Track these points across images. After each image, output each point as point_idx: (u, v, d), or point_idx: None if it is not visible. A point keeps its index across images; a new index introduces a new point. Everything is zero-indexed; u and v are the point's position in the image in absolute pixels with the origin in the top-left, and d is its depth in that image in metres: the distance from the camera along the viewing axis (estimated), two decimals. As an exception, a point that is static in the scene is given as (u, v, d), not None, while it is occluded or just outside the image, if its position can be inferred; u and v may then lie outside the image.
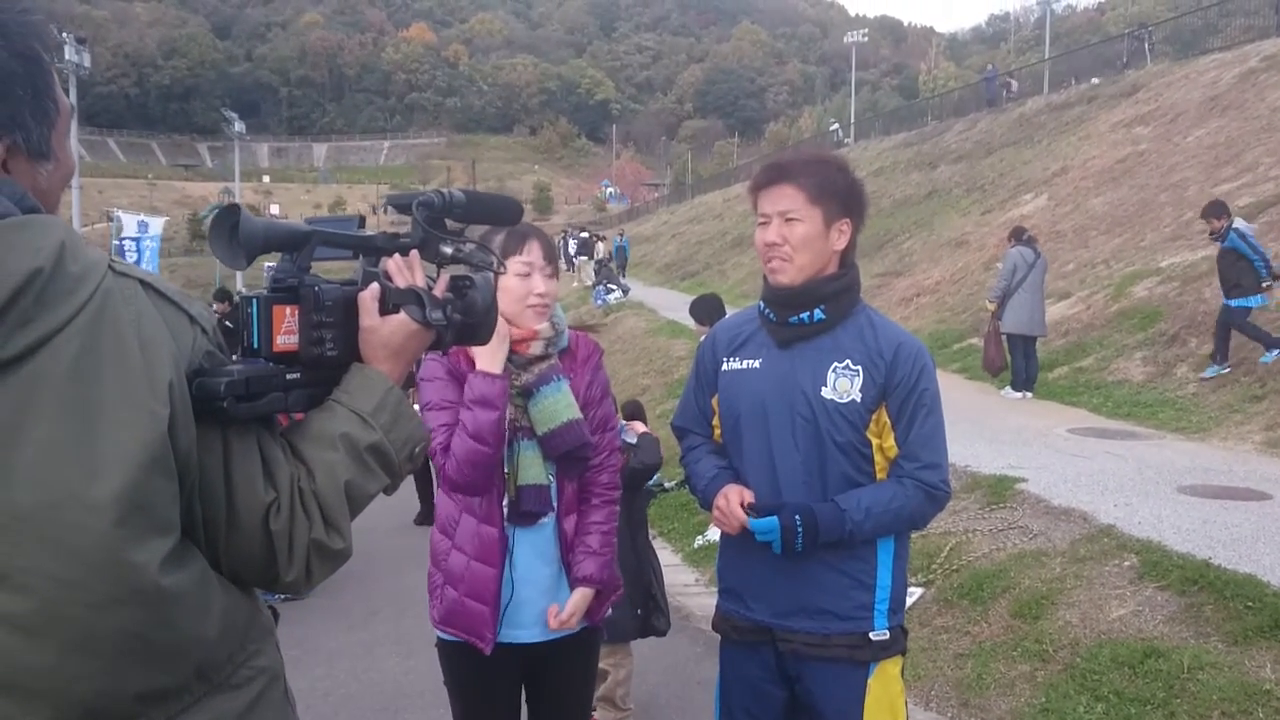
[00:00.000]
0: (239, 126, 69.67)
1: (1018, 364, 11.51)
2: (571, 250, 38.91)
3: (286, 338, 1.43)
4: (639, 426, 4.85)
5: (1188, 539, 5.77)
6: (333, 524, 1.44)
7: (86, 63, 37.72)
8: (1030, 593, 5.52)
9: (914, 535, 6.69)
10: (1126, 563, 5.53)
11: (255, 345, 1.42)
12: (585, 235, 38.50)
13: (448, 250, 1.60)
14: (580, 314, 26.24)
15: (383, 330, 1.51)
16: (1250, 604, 4.74)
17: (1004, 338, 11.47)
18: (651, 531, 8.91)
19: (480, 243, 1.66)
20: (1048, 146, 24.96)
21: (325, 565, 1.45)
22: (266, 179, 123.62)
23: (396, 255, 1.56)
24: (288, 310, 1.43)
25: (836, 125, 59.82)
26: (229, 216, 1.38)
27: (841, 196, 2.56)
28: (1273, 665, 4.36)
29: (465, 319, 1.59)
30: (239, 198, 75.79)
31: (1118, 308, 13.08)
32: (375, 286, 1.51)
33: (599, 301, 25.84)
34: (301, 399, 1.47)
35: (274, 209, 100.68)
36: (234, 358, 1.43)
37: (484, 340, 1.69)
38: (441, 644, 2.90)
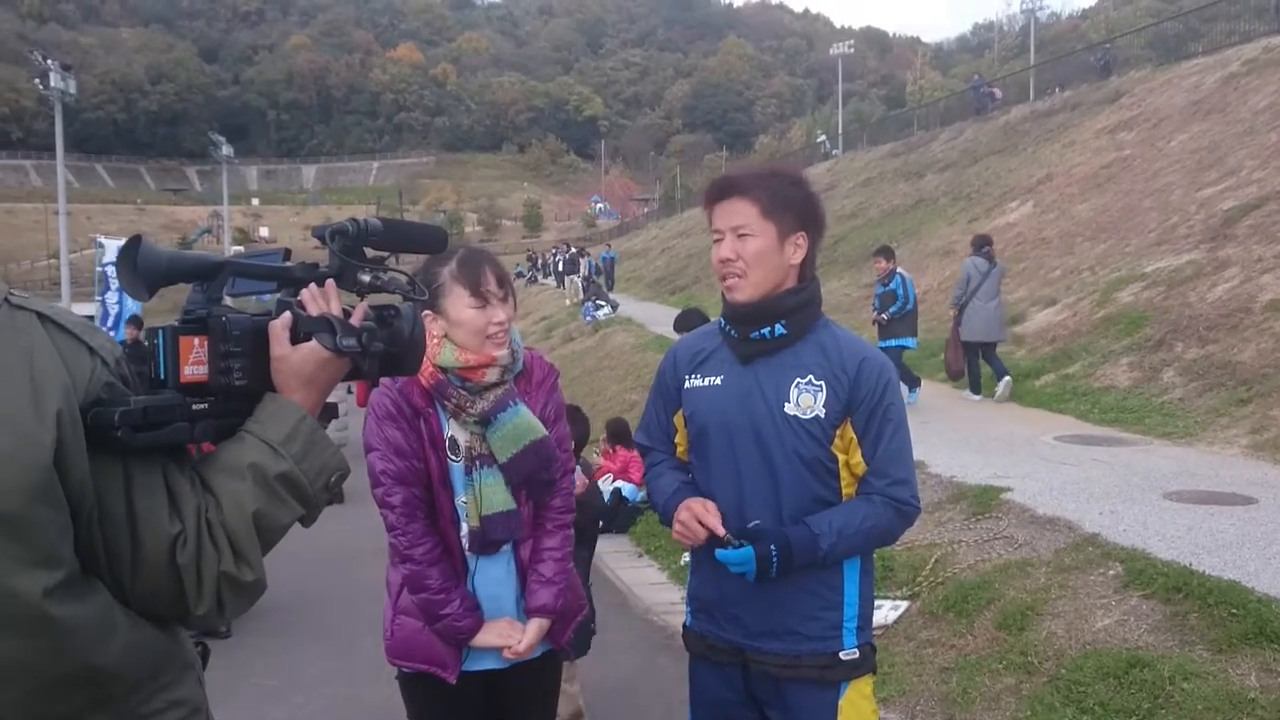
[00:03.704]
0: (227, 150, 69.90)
1: (974, 369, 12.11)
2: (560, 268, 38.99)
3: (195, 368, 1.40)
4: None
5: (1173, 546, 5.73)
6: (242, 555, 1.40)
7: (73, 89, 37.84)
8: (1015, 604, 5.47)
9: (899, 548, 6.68)
10: (1111, 571, 5.49)
11: (162, 376, 1.39)
12: (573, 252, 38.55)
13: (366, 278, 1.58)
14: (569, 330, 26.26)
15: (293, 359, 1.48)
16: (1234, 611, 4.70)
17: (963, 344, 12.08)
18: (638, 549, 8.91)
19: (400, 270, 1.63)
20: (1033, 154, 25.04)
21: (238, 599, 1.42)
22: (256, 201, 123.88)
23: (312, 284, 1.54)
24: (195, 341, 1.41)
25: (824, 137, 59.90)
26: (132, 248, 1.35)
27: (796, 210, 2.52)
28: (1257, 673, 4.31)
29: (389, 348, 1.57)
30: (228, 221, 75.96)
31: (1103, 314, 13.07)
32: (286, 315, 1.49)
33: (588, 318, 25.79)
34: (210, 430, 1.44)
35: (263, 231, 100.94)
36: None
37: (411, 370, 1.67)
38: (403, 677, 2.85)
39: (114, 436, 1.28)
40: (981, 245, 12.30)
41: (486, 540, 2.71)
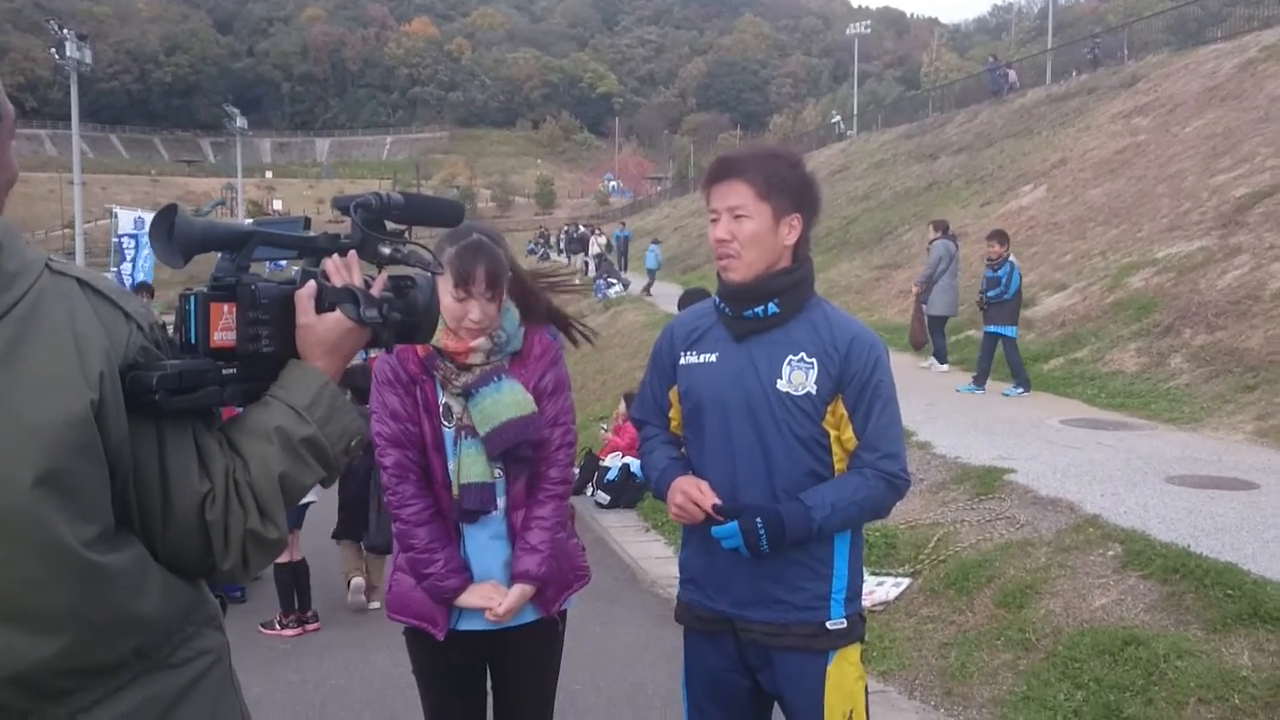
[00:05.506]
0: (241, 122, 69.92)
1: (939, 341, 13.29)
2: (566, 245, 39.13)
3: (224, 334, 1.47)
4: None
5: (1172, 528, 5.80)
6: (267, 514, 1.48)
7: (88, 59, 37.88)
8: (1015, 582, 5.56)
9: (903, 525, 6.76)
10: (1110, 552, 5.56)
11: (193, 340, 1.45)
12: (581, 230, 38.60)
13: (386, 251, 1.63)
14: (581, 308, 26.31)
15: (318, 327, 1.55)
16: (1230, 592, 4.78)
17: (927, 318, 13.16)
18: (645, 524, 9.00)
19: (419, 244, 1.69)
20: (1047, 138, 24.94)
21: (261, 554, 1.49)
22: (269, 174, 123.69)
23: (335, 255, 1.59)
24: (225, 307, 1.47)
25: (838, 118, 59.62)
26: (167, 216, 1.42)
27: (792, 192, 2.57)
28: (1250, 652, 4.39)
29: (406, 318, 1.63)
30: (241, 193, 75.99)
31: (1113, 299, 13.11)
32: (311, 285, 1.55)
33: (599, 295, 25.85)
34: (238, 393, 1.50)
35: (277, 204, 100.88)
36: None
37: (425, 339, 1.73)
38: (407, 632, 2.94)
39: (151, 399, 1.35)
40: (947, 229, 13.55)
41: (463, 510, 2.77)
